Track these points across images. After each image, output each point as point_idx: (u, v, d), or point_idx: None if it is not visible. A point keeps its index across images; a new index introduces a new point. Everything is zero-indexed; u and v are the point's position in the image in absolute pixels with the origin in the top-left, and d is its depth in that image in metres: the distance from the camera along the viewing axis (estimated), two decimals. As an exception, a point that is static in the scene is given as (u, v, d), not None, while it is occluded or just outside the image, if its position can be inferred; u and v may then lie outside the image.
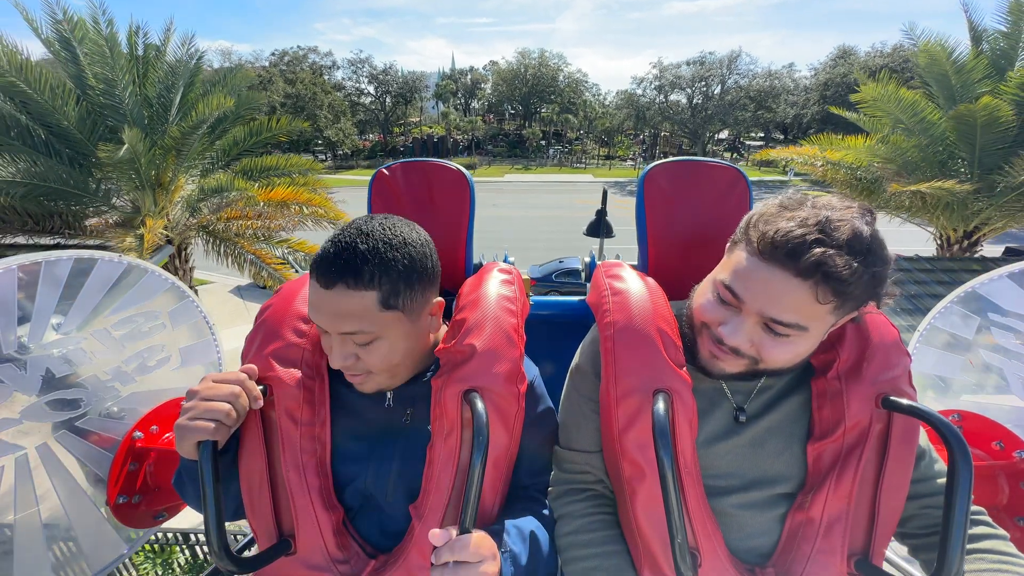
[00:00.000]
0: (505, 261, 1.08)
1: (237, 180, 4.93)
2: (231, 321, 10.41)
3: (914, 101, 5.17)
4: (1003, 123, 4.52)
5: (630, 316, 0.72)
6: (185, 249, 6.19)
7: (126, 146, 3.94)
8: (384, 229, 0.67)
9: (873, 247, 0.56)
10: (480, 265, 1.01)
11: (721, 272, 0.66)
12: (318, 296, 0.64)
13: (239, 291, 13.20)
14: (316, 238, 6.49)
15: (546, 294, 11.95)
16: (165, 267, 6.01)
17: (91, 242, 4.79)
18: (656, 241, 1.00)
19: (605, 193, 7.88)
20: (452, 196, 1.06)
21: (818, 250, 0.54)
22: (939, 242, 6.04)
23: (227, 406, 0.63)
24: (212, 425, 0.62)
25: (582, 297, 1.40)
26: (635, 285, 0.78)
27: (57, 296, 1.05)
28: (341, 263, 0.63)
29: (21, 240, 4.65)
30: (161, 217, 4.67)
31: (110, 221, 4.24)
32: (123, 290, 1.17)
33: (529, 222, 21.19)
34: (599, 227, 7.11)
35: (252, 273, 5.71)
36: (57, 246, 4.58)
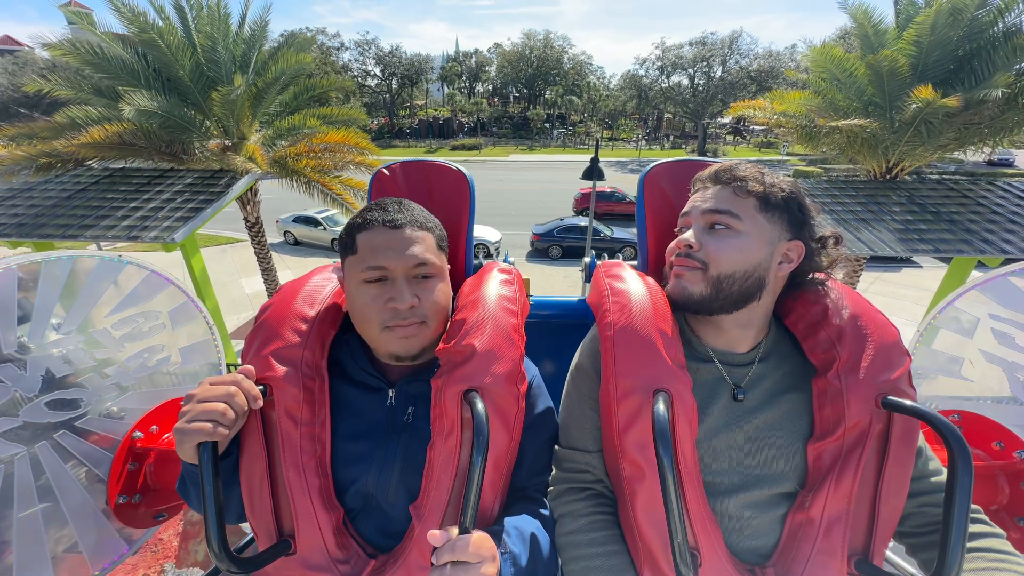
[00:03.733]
0: (505, 261, 1.08)
1: (309, 119, 6.35)
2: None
3: (842, 57, 6.48)
4: (901, 72, 5.84)
5: (630, 316, 0.74)
6: (255, 184, 7.65)
7: (240, 87, 5.35)
8: (415, 204, 0.82)
9: (771, 173, 0.76)
10: (480, 265, 1.02)
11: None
12: (388, 237, 0.73)
13: (271, 247, 14.68)
14: (357, 178, 7.94)
15: (548, 248, 13.20)
16: (240, 198, 7.47)
17: (197, 167, 6.23)
18: (656, 241, 1.00)
19: (598, 142, 9.31)
20: (452, 196, 1.07)
21: (723, 166, 0.78)
22: (868, 179, 7.39)
23: (223, 406, 0.64)
24: (209, 426, 0.62)
25: (582, 297, 1.45)
26: (635, 285, 0.79)
27: (57, 296, 1.05)
28: (406, 212, 0.75)
29: (150, 164, 6.13)
30: (254, 145, 6.10)
31: (225, 143, 5.66)
32: (123, 290, 1.18)
33: (532, 194, 22.45)
34: (592, 171, 8.50)
35: (319, 197, 7.14)
36: (173, 171, 6.03)
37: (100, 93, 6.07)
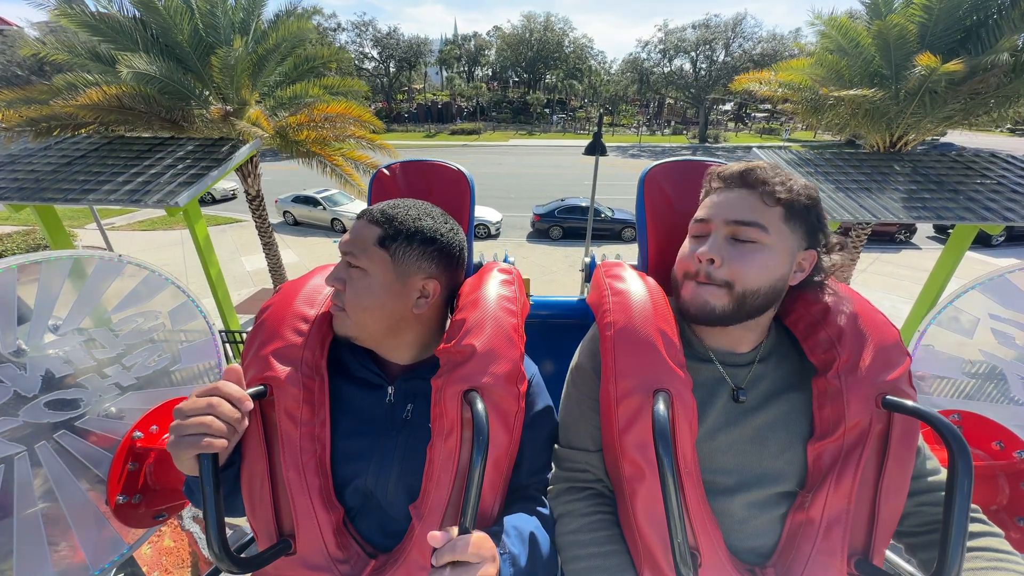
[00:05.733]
0: (505, 261, 1.09)
1: (312, 88, 6.27)
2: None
3: (849, 26, 6.41)
4: (909, 39, 5.79)
5: (630, 316, 0.73)
6: (255, 156, 7.58)
7: (239, 48, 5.27)
8: (423, 204, 0.82)
9: (794, 176, 0.72)
10: (480, 265, 1.02)
11: (692, 220, 0.78)
12: (352, 224, 0.78)
13: (272, 226, 14.68)
14: (358, 152, 7.87)
15: (549, 229, 13.23)
16: (240, 168, 7.42)
17: (196, 135, 6.17)
18: (656, 241, 1.00)
19: (601, 116, 9.24)
20: (452, 196, 1.07)
21: (748, 167, 0.72)
22: (872, 151, 7.37)
23: (209, 418, 0.63)
24: (200, 441, 0.61)
25: (582, 297, 1.45)
26: (635, 285, 0.79)
27: (57, 296, 1.04)
28: (374, 208, 0.78)
29: (150, 134, 6.06)
30: (258, 110, 6.04)
31: (228, 109, 5.60)
32: (123, 290, 1.18)
33: (532, 177, 22.36)
34: (595, 147, 8.46)
35: (319, 168, 7.10)
36: (173, 139, 5.97)
37: (97, 58, 5.98)
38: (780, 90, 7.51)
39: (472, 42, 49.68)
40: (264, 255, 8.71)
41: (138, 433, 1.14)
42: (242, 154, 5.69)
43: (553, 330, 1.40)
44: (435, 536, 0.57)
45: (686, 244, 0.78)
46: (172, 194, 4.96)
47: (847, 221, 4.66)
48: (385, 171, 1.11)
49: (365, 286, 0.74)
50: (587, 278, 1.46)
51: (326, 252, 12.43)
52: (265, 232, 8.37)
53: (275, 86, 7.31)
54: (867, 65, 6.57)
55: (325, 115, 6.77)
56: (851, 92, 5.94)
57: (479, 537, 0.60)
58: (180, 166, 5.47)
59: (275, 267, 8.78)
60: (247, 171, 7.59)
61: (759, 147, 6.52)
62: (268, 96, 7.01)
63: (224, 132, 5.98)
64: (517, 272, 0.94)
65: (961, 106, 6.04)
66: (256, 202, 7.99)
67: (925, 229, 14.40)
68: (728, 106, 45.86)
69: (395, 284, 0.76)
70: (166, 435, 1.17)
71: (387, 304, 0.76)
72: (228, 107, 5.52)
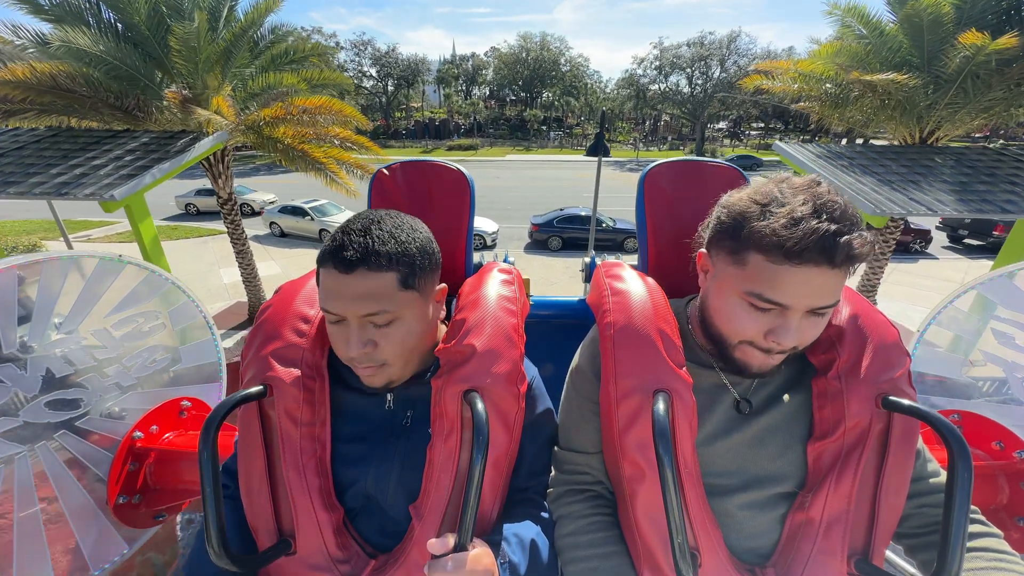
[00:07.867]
0: (505, 261, 1.07)
1: (285, 76, 5.65)
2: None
3: (870, 19, 5.90)
4: (946, 20, 5.25)
5: (630, 316, 0.72)
6: (227, 155, 6.92)
7: (197, 23, 4.65)
8: (393, 218, 0.71)
9: (862, 220, 0.60)
10: (480, 265, 1.02)
11: (744, 283, 0.63)
12: (337, 282, 0.64)
13: (257, 239, 14.01)
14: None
15: (548, 239, 12.66)
16: (209, 163, 6.74)
17: (155, 127, 5.51)
18: (656, 241, 0.99)
19: (603, 115, 8.69)
20: (452, 196, 1.06)
21: (844, 239, 0.56)
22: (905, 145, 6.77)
23: None
24: None
25: (582, 297, 1.43)
26: (635, 285, 0.78)
27: (57, 295, 1.04)
28: (361, 248, 0.64)
29: (101, 125, 5.38)
30: (220, 96, 5.39)
31: (185, 94, 4.94)
32: (123, 290, 1.17)
33: (529, 189, 21.99)
34: (597, 148, 7.88)
35: (300, 167, 6.40)
36: (127, 131, 5.31)
37: (44, 43, 5.35)
38: (796, 84, 6.97)
39: (470, 62, 50.33)
40: (237, 265, 7.96)
41: (138, 433, 1.13)
42: (203, 147, 5.01)
43: (553, 330, 1.34)
44: (434, 544, 0.58)
45: (741, 312, 0.65)
46: (109, 187, 4.25)
47: (898, 215, 4.02)
48: (385, 171, 1.10)
49: (404, 331, 0.70)
50: (587, 278, 1.43)
51: (312, 264, 11.69)
52: (239, 239, 7.64)
53: (248, 77, 6.70)
54: (893, 54, 6.04)
55: (304, 108, 6.14)
56: (883, 76, 5.36)
57: (476, 554, 0.59)
58: (128, 158, 4.78)
59: (250, 277, 8.01)
60: (218, 171, 6.92)
61: (780, 141, 5.90)
62: (240, 89, 6.39)
63: (186, 124, 5.32)
64: (517, 272, 0.93)
65: (1004, 94, 5.47)
66: (228, 205, 7.29)
67: (940, 239, 13.84)
68: (723, 124, 46.28)
69: (425, 310, 0.73)
70: (166, 435, 1.17)
71: (424, 332, 0.74)
72: (186, 92, 4.85)
